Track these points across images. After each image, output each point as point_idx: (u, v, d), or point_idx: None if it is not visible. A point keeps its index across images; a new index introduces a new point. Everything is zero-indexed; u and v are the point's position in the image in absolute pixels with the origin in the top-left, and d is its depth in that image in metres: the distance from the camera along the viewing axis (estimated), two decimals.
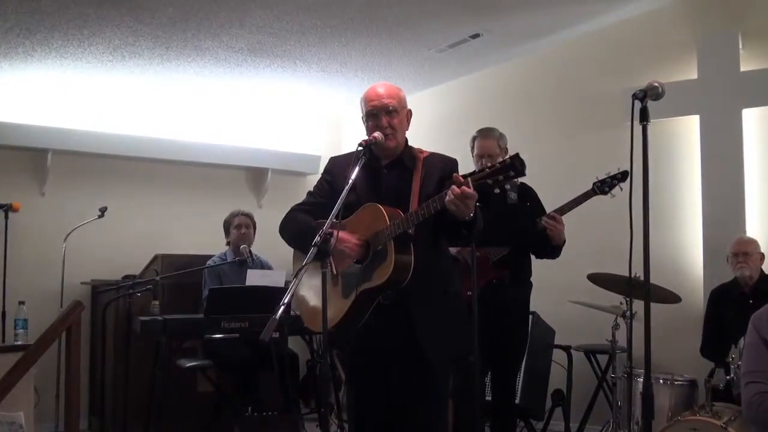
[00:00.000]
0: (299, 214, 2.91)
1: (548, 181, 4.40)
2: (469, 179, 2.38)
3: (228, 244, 5.28)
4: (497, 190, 2.36)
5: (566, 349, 4.92)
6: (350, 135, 7.07)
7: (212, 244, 5.52)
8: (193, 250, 5.81)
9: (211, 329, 4.23)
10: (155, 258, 5.65)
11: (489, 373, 4.16)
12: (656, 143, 4.99)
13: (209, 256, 5.26)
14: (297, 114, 7.11)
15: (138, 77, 5.74)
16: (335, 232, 2.43)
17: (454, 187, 2.40)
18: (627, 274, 3.87)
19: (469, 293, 3.74)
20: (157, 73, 5.65)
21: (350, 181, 2.55)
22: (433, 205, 2.51)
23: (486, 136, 3.95)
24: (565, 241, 3.83)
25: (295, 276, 2.33)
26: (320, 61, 5.59)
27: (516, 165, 2.31)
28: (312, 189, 2.99)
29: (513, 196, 3.98)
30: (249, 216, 5.26)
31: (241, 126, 6.84)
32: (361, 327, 2.72)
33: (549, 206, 3.99)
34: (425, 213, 2.54)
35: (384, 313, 2.69)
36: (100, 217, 5.53)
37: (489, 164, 2.42)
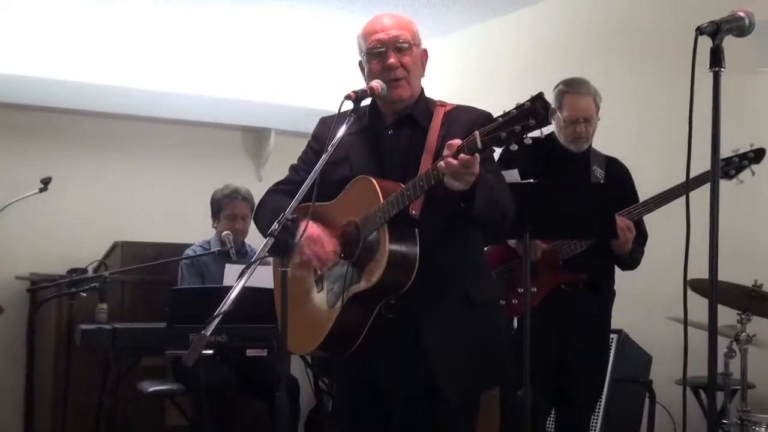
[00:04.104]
0: (276, 196, 2.91)
1: (640, 151, 4.29)
2: (476, 134, 2.31)
3: (214, 227, 5.27)
4: (515, 147, 2.25)
5: (645, 384, 4.79)
6: None
7: (192, 230, 5.55)
8: (166, 237, 5.83)
9: (175, 344, 4.20)
10: (114, 246, 5.69)
11: (552, 411, 4.14)
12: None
13: (187, 246, 5.27)
14: (309, 56, 7.07)
15: (93, 6, 5.76)
16: (303, 224, 2.43)
17: (440, 163, 2.37)
18: (747, 282, 3.85)
19: (515, 301, 3.76)
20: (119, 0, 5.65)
21: (330, 149, 2.52)
22: (434, 173, 2.45)
23: (581, 90, 3.90)
24: (633, 253, 3.80)
25: (240, 276, 2.31)
26: None
27: (537, 110, 2.21)
28: (296, 162, 2.99)
29: (599, 172, 3.98)
30: (249, 201, 5.20)
31: (234, 72, 6.84)
32: (355, 350, 2.67)
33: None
34: (425, 184, 2.49)
35: (386, 330, 2.65)
36: (42, 190, 5.55)
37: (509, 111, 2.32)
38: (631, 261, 3.86)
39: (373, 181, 2.62)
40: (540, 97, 2.24)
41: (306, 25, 6.37)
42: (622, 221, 3.67)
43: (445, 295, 2.69)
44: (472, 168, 2.34)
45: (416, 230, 2.57)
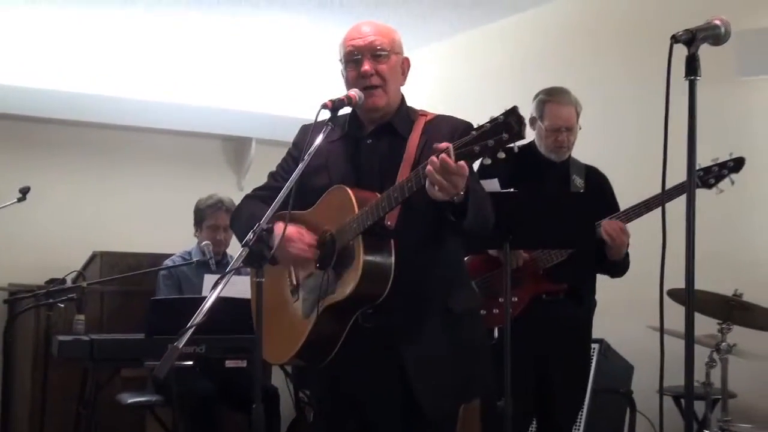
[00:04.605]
0: (253, 202, 2.90)
1: (615, 161, 4.32)
2: (449, 147, 2.30)
3: (197, 236, 5.28)
4: (488, 161, 2.25)
5: (625, 394, 4.79)
6: None
7: (173, 240, 5.52)
8: (146, 247, 5.82)
9: (154, 354, 4.18)
10: (93, 257, 5.67)
11: (533, 421, 4.14)
12: (755, 109, 4.88)
13: (167, 256, 5.26)
14: (290, 64, 7.06)
15: (70, 13, 5.74)
16: (279, 227, 2.41)
17: (432, 157, 2.33)
18: (727, 292, 3.86)
19: (496, 311, 3.76)
20: (94, 5, 5.64)
21: (306, 157, 2.52)
22: (408, 185, 2.45)
23: (562, 100, 3.92)
24: (627, 256, 3.79)
25: (214, 287, 2.29)
26: None
27: (511, 124, 2.21)
28: (275, 169, 2.98)
29: (579, 181, 3.98)
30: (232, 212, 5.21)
31: (215, 80, 6.82)
32: (332, 360, 2.66)
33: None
34: (399, 196, 2.48)
35: (363, 340, 2.64)
36: (20, 200, 5.48)
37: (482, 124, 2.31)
38: (624, 266, 3.86)
39: (349, 191, 2.61)
40: (514, 111, 2.23)
41: (287, 33, 6.35)
42: (616, 224, 3.68)
43: (423, 305, 2.68)
44: (457, 173, 2.32)
45: (392, 241, 2.56)
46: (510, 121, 2.20)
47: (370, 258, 2.52)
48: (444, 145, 2.33)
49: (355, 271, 2.53)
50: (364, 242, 2.53)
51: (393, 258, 2.54)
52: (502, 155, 2.23)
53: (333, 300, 2.60)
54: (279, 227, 2.47)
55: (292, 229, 2.59)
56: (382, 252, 2.54)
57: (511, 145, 2.22)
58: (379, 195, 2.56)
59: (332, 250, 2.64)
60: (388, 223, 2.54)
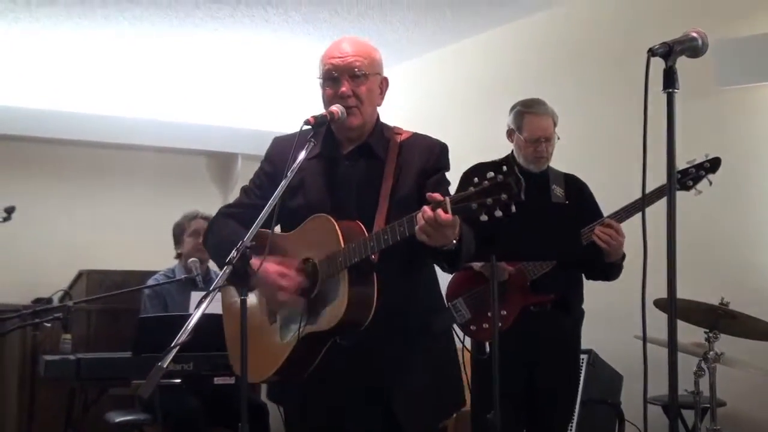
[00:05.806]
0: (227, 221, 2.85)
1: (595, 170, 4.32)
2: (446, 200, 2.28)
3: (178, 257, 5.26)
4: (485, 217, 2.22)
5: (612, 405, 4.79)
6: None
7: (159, 257, 5.50)
8: (133, 265, 5.82)
9: (142, 373, 4.16)
10: (80, 275, 5.68)
11: None
12: (735, 118, 4.90)
13: (154, 273, 5.24)
14: (275, 79, 7.07)
15: (52, 32, 5.74)
16: (256, 263, 2.39)
17: (426, 208, 2.30)
18: (713, 300, 3.87)
19: (485, 325, 3.75)
20: (79, 26, 5.65)
21: (289, 174, 2.50)
22: (400, 229, 2.43)
23: (539, 111, 3.94)
24: (624, 257, 3.73)
25: (197, 306, 2.29)
26: (300, 7, 5.55)
27: (510, 185, 2.17)
28: (247, 184, 2.93)
29: (558, 191, 3.99)
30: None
31: (199, 97, 6.83)
32: (309, 377, 2.65)
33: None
34: (389, 239, 2.46)
35: (341, 359, 2.63)
36: (5, 219, 5.47)
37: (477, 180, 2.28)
38: (620, 267, 3.80)
39: (334, 223, 2.58)
40: (513, 171, 2.20)
41: (271, 48, 6.36)
42: (609, 229, 3.63)
43: (404, 327, 2.67)
44: (452, 226, 2.31)
45: (374, 273, 2.54)
46: (509, 182, 2.18)
47: (355, 289, 2.52)
48: (440, 197, 2.30)
49: (340, 304, 2.52)
50: (349, 276, 2.52)
51: (375, 288, 2.53)
52: (499, 213, 2.21)
53: (315, 329, 2.58)
54: (256, 263, 2.42)
55: (276, 275, 2.57)
56: (365, 284, 2.53)
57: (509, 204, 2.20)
58: (360, 223, 2.56)
59: (314, 279, 2.62)
60: (372, 257, 2.53)
